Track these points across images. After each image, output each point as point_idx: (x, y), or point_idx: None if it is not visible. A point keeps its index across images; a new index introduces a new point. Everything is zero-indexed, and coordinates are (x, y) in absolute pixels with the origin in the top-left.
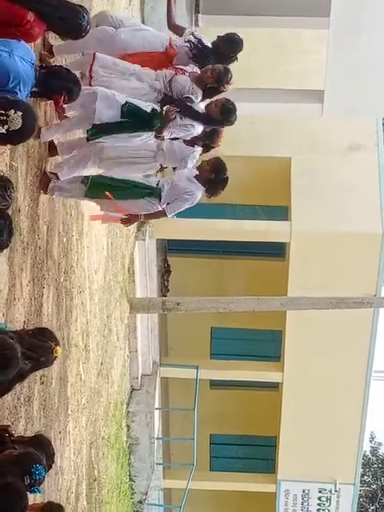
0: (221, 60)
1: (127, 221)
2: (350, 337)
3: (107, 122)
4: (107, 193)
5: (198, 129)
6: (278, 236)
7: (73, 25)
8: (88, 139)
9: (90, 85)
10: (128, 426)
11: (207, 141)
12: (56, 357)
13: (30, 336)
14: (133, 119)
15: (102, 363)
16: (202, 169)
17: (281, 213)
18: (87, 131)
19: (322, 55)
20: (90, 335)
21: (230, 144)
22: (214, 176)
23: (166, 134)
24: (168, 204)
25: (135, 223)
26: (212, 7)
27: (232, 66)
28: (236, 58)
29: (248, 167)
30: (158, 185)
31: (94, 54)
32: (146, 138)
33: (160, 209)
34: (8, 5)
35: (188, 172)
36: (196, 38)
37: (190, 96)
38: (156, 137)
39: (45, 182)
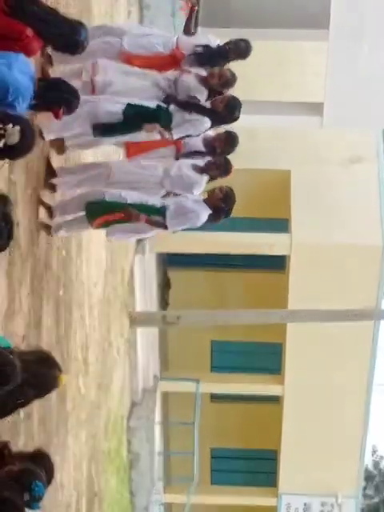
0: (224, 61)
1: (128, 214)
2: (350, 349)
3: (110, 122)
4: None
5: (206, 124)
6: (278, 248)
7: (71, 41)
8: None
9: (93, 91)
10: (128, 441)
11: (222, 173)
12: (59, 385)
13: (34, 363)
14: (136, 118)
15: (101, 377)
16: (214, 196)
17: (281, 225)
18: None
19: (322, 67)
20: (89, 349)
21: (230, 156)
22: (223, 205)
23: (176, 134)
24: (171, 220)
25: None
26: (212, 20)
27: None
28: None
29: (248, 180)
30: (163, 205)
31: (94, 65)
32: (157, 158)
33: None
34: (7, 19)
35: (195, 196)
36: (200, 44)
37: (196, 96)
38: (161, 134)
39: (45, 226)
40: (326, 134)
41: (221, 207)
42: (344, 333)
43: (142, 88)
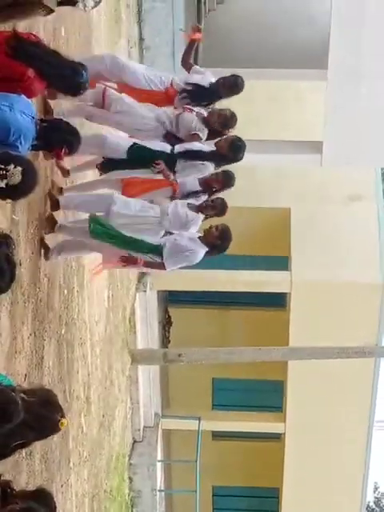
0: (217, 98)
1: (126, 260)
2: (351, 387)
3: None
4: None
5: (210, 168)
6: (278, 286)
7: (72, 83)
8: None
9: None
10: (130, 479)
11: (218, 213)
12: (60, 429)
13: (37, 404)
14: (140, 159)
15: (103, 415)
16: (210, 233)
17: (281, 263)
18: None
19: (320, 106)
20: (91, 387)
21: (230, 195)
22: (219, 242)
23: (179, 178)
24: (168, 259)
25: (135, 269)
26: (211, 60)
27: None
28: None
29: (248, 218)
30: (159, 243)
31: (105, 91)
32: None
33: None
34: (9, 61)
35: (190, 233)
36: (190, 82)
37: (198, 133)
38: (165, 176)
39: (45, 248)
40: (325, 173)
41: (217, 245)
42: (345, 370)
43: (146, 121)
